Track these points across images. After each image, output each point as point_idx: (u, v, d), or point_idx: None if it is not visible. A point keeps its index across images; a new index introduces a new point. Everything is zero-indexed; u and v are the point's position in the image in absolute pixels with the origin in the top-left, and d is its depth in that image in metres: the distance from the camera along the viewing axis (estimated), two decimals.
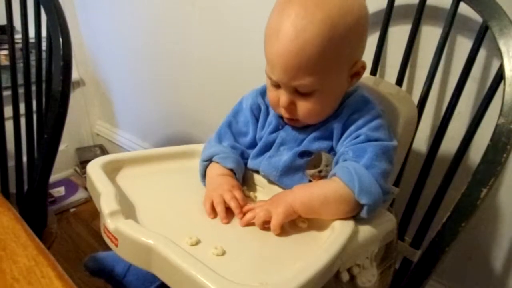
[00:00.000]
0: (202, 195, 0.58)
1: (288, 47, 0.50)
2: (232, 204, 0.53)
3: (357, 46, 0.54)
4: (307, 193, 0.52)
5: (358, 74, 0.56)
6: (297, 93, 0.54)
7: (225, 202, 0.54)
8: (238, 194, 0.55)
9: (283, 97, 0.55)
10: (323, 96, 0.54)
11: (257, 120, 0.65)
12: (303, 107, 0.55)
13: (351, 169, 0.50)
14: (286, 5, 0.51)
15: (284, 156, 0.59)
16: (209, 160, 0.62)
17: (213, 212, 0.54)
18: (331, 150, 0.58)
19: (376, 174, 0.50)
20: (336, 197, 0.50)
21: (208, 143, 0.66)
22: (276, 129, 0.61)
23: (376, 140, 0.53)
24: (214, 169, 0.61)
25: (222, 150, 0.62)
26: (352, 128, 0.55)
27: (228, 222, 0.53)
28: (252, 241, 0.50)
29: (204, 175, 0.62)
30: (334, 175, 0.52)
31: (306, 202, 0.51)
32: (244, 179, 0.64)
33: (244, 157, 0.64)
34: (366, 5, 0.54)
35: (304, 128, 0.59)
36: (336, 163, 0.55)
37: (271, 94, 0.58)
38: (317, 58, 0.50)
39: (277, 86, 0.56)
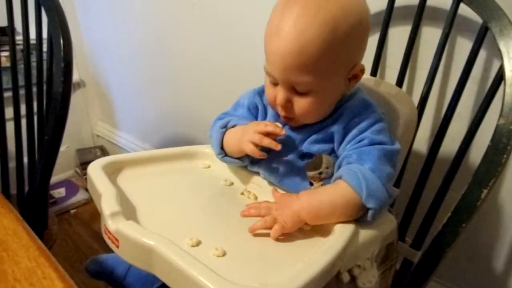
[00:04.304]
0: (203, 196, 0.58)
1: (288, 47, 0.50)
2: (269, 129, 0.54)
3: (357, 49, 0.54)
4: (315, 202, 0.51)
5: (356, 77, 0.56)
6: (294, 91, 0.55)
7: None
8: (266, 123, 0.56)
9: (280, 94, 0.55)
10: (319, 96, 0.54)
11: (255, 119, 0.65)
12: (299, 105, 0.55)
13: (358, 173, 0.50)
14: (288, 3, 0.51)
15: (284, 158, 0.59)
16: (225, 128, 0.62)
17: (257, 149, 0.55)
18: (332, 153, 0.57)
19: (382, 178, 0.50)
20: (343, 203, 0.50)
21: (213, 123, 0.66)
22: None
23: (379, 143, 0.53)
24: (233, 130, 0.61)
25: (236, 116, 0.64)
26: (355, 131, 0.55)
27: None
28: (253, 242, 0.50)
29: (221, 146, 0.62)
30: (339, 178, 0.52)
31: (313, 211, 0.50)
32: (244, 180, 0.64)
33: None
34: (368, 9, 0.54)
35: (303, 131, 0.59)
36: (339, 166, 0.55)
37: (269, 91, 0.58)
38: (316, 59, 0.50)
39: (275, 84, 0.56)
